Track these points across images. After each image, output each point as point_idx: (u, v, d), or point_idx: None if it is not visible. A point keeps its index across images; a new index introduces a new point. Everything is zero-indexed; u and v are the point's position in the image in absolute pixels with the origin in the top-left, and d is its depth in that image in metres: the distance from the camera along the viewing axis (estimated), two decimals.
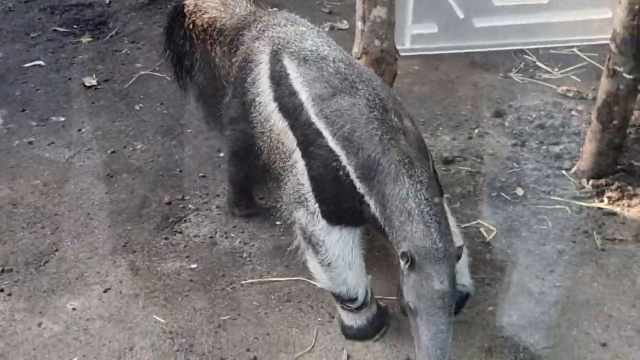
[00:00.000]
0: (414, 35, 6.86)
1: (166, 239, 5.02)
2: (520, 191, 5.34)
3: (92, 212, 5.24)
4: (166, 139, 5.99)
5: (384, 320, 4.32)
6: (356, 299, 4.11)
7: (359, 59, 5.02)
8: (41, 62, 7.01)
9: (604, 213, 5.13)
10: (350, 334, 4.26)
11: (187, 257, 4.86)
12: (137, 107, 6.41)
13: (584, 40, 7.00)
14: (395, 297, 4.45)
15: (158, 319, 4.41)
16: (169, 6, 6.42)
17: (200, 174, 5.58)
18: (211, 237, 5.03)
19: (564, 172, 5.51)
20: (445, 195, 4.15)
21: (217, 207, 5.27)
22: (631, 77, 5.00)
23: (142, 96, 6.56)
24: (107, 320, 4.42)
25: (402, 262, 3.57)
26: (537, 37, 6.99)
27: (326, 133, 3.87)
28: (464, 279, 4.03)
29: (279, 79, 4.18)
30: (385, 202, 3.67)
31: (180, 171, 5.64)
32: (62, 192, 5.42)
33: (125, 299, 4.56)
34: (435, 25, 6.92)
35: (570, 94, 6.36)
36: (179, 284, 4.66)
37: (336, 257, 4.02)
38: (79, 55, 7.15)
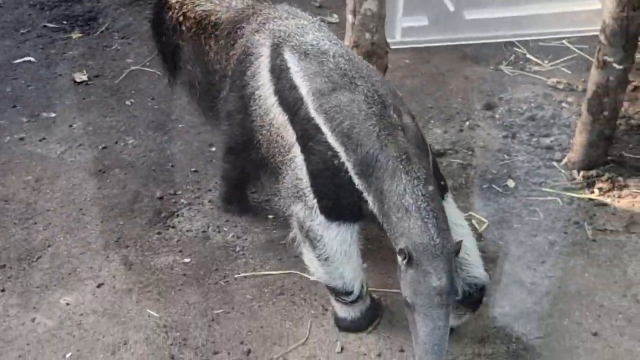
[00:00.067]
0: (405, 28, 6.87)
1: (159, 233, 5.02)
2: (511, 183, 5.37)
3: (85, 208, 5.24)
4: (158, 134, 5.99)
5: (377, 312, 4.34)
6: (352, 292, 4.12)
7: None
8: (31, 58, 6.99)
9: (595, 204, 5.16)
10: (344, 326, 4.28)
11: (180, 251, 4.87)
12: (128, 103, 6.40)
13: (574, 32, 7.03)
14: (388, 290, 4.48)
15: (152, 313, 4.42)
16: None
17: (192, 169, 5.59)
18: (204, 231, 5.04)
19: (554, 163, 5.53)
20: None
21: (209, 201, 5.27)
22: (621, 67, 5.03)
23: (133, 91, 6.55)
24: (100, 315, 4.42)
25: (399, 259, 3.56)
26: (527, 29, 7.01)
27: (325, 129, 3.86)
28: (477, 270, 4.02)
29: (279, 73, 4.16)
30: (383, 198, 3.67)
31: (172, 166, 5.64)
32: (54, 188, 5.42)
33: (119, 293, 4.57)
34: (426, 18, 6.93)
35: (561, 86, 6.39)
36: (172, 278, 4.67)
37: (334, 252, 4.02)
38: (69, 51, 7.13)
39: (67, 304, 4.49)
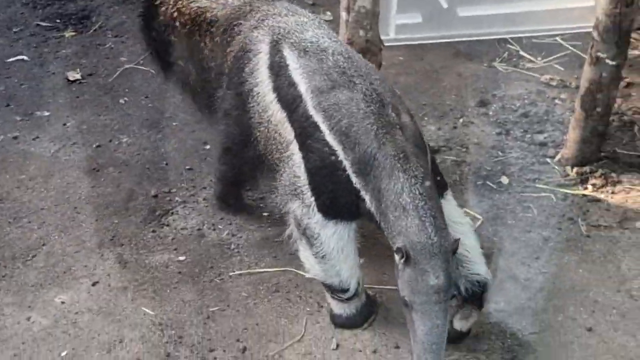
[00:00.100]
0: (399, 25, 6.87)
1: (154, 231, 5.02)
2: (505, 179, 5.38)
3: (79, 206, 5.24)
4: (152, 132, 5.98)
5: (372, 309, 4.35)
6: (348, 290, 4.13)
7: None
8: (24, 57, 6.97)
9: (589, 200, 5.18)
10: (339, 323, 4.28)
11: (175, 249, 4.87)
12: (122, 101, 6.39)
13: (567, 29, 7.04)
14: (383, 286, 4.50)
15: (147, 311, 4.42)
16: None
17: (187, 167, 5.58)
18: (199, 229, 5.04)
19: (548, 160, 5.55)
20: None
21: (204, 199, 5.27)
22: (614, 63, 5.04)
23: (126, 90, 6.54)
24: (96, 313, 4.42)
25: (397, 257, 3.57)
26: (520, 26, 7.02)
27: (324, 127, 3.86)
28: (479, 267, 4.03)
29: (278, 70, 4.16)
30: (381, 197, 3.67)
31: (167, 164, 5.64)
32: (48, 187, 5.41)
33: (114, 291, 4.57)
34: (420, 15, 6.93)
35: (554, 83, 6.40)
36: (167, 276, 4.67)
37: (330, 250, 4.02)
38: (63, 50, 7.12)
39: (62, 302, 4.49)
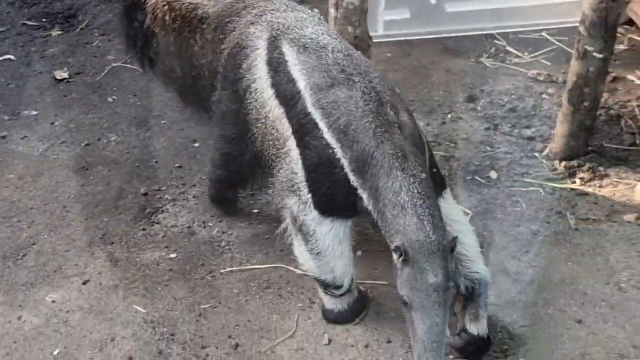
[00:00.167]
0: (387, 21, 6.89)
1: (144, 230, 5.02)
2: (494, 174, 5.40)
3: (69, 205, 5.23)
4: (141, 131, 5.98)
5: (364, 305, 4.36)
6: (341, 286, 4.14)
7: None
8: (11, 57, 6.96)
9: (577, 194, 5.21)
10: (331, 318, 4.29)
11: (166, 247, 4.87)
12: (110, 100, 6.38)
13: (553, 24, 7.08)
14: (375, 282, 4.52)
15: (139, 309, 4.42)
16: None
17: (177, 165, 5.58)
18: (189, 227, 5.04)
19: (536, 154, 5.57)
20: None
21: (194, 197, 5.28)
22: (601, 56, 5.07)
23: (114, 88, 6.54)
24: (87, 312, 4.42)
25: (395, 256, 3.56)
26: (508, 22, 7.05)
27: (322, 125, 3.85)
28: (478, 266, 4.02)
29: (277, 66, 4.13)
30: (379, 195, 3.67)
31: (156, 162, 5.63)
32: (38, 186, 5.40)
33: (105, 290, 4.56)
34: (408, 11, 6.95)
35: (541, 78, 6.43)
36: (158, 274, 4.67)
37: (326, 248, 4.02)
38: (50, 49, 7.11)
39: (54, 301, 4.48)
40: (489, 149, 5.65)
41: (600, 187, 5.25)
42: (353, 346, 4.18)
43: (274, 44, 4.20)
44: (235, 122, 4.48)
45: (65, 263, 4.75)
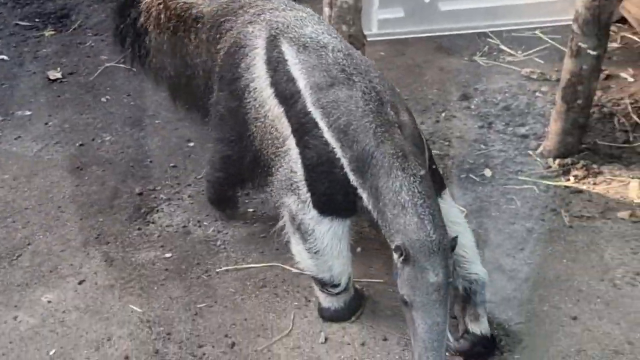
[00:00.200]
0: (381, 20, 6.91)
1: (139, 229, 5.01)
2: (488, 172, 5.42)
3: (63, 205, 5.22)
4: (135, 130, 5.98)
5: (360, 302, 4.37)
6: (339, 285, 4.15)
7: None
8: (4, 57, 6.95)
9: (571, 191, 5.23)
10: (327, 316, 4.30)
11: (162, 246, 4.87)
12: (103, 100, 6.38)
13: (546, 22, 7.11)
14: (370, 280, 4.53)
15: (135, 308, 4.42)
16: None
17: (171, 164, 5.58)
18: (184, 226, 5.04)
19: (530, 152, 5.59)
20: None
21: (189, 196, 5.28)
22: (595, 53, 5.08)
23: (108, 88, 6.54)
24: (83, 311, 4.41)
25: (395, 256, 3.55)
26: (501, 20, 7.08)
27: (322, 124, 3.84)
28: (476, 267, 4.02)
29: (276, 65, 4.11)
30: (379, 195, 3.66)
31: (151, 162, 5.63)
32: (32, 186, 5.39)
33: (101, 289, 4.56)
34: (402, 10, 6.97)
35: (534, 76, 6.46)
36: (154, 274, 4.67)
37: (324, 246, 4.02)
38: (43, 49, 7.10)
39: (49, 301, 4.47)
40: (482, 146, 5.67)
41: (594, 184, 5.27)
42: (349, 344, 4.19)
43: (272, 43, 4.18)
44: (234, 123, 4.45)
45: (60, 263, 4.74)
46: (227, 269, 4.69)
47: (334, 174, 3.83)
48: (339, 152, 3.79)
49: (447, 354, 3.71)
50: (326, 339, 4.22)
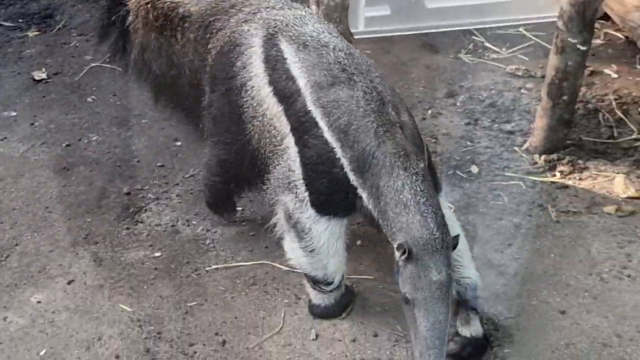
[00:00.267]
0: (367, 17, 6.93)
1: (128, 229, 5.01)
2: (475, 169, 5.45)
3: (51, 206, 5.20)
4: (121, 130, 5.97)
5: (350, 299, 4.38)
6: (332, 283, 4.16)
7: None
8: None
9: (557, 187, 5.26)
10: (318, 313, 4.31)
11: (150, 245, 4.86)
12: (89, 100, 6.36)
13: (530, 19, 7.15)
14: (360, 276, 4.55)
15: (125, 307, 4.41)
16: None
17: (158, 164, 5.57)
18: (173, 225, 5.03)
19: (516, 148, 5.63)
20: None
21: (177, 195, 5.27)
22: (585, 48, 5.13)
23: (94, 88, 6.52)
24: (73, 311, 4.40)
25: (397, 254, 3.53)
26: (486, 17, 7.12)
27: (322, 123, 3.82)
28: (469, 271, 4.02)
29: (274, 63, 4.07)
30: (380, 194, 3.65)
31: (138, 161, 5.62)
32: (19, 187, 5.37)
33: (90, 289, 4.55)
34: (388, 8, 7.00)
35: (519, 73, 6.50)
36: (143, 273, 4.66)
37: (321, 246, 4.02)
38: (27, 49, 7.07)
39: (39, 301, 4.46)
40: (469, 143, 5.70)
41: (580, 179, 5.31)
42: (340, 340, 4.20)
43: (270, 41, 4.15)
44: (229, 123, 4.42)
45: (49, 263, 4.72)
46: (216, 268, 4.69)
47: (333, 174, 3.82)
48: (339, 152, 3.78)
49: None
50: (317, 336, 4.23)
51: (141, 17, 4.93)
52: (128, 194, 5.29)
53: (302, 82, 3.93)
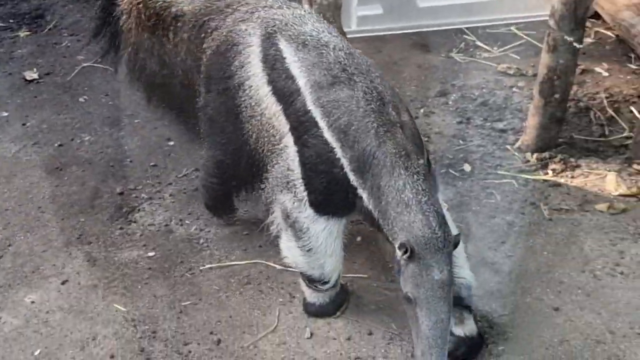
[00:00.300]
0: (360, 17, 6.95)
1: (121, 228, 5.00)
2: (467, 167, 5.47)
3: (44, 206, 5.19)
4: (114, 130, 5.96)
5: (344, 297, 4.39)
6: (328, 282, 4.16)
7: None
8: None
9: (549, 185, 5.29)
10: (312, 311, 4.32)
11: (144, 245, 4.86)
12: (81, 100, 6.35)
13: (521, 17, 7.18)
14: (354, 275, 4.56)
15: (119, 307, 4.40)
16: None
17: (151, 163, 5.57)
18: (166, 225, 5.03)
19: (508, 147, 5.65)
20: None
21: (170, 195, 5.27)
22: (580, 45, 5.17)
23: (85, 88, 6.51)
24: (67, 311, 4.39)
25: (399, 253, 3.52)
26: (478, 16, 7.14)
27: (322, 123, 3.79)
28: (464, 272, 4.03)
29: (273, 62, 4.04)
30: (381, 194, 3.64)
31: (131, 161, 5.62)
32: (11, 187, 5.35)
33: (84, 289, 4.54)
34: (380, 7, 7.02)
35: (511, 72, 6.52)
36: (137, 273, 4.65)
37: (318, 245, 4.02)
38: (18, 50, 7.06)
39: (32, 302, 4.45)
40: (461, 142, 5.71)
41: (572, 177, 5.34)
42: (335, 339, 4.21)
43: (269, 41, 4.11)
44: (225, 123, 4.39)
45: (42, 263, 4.71)
46: (210, 267, 4.69)
47: (333, 174, 3.81)
48: (339, 152, 3.76)
49: None
50: (312, 334, 4.24)
51: (134, 17, 4.90)
52: (121, 193, 5.29)
53: (301, 81, 3.91)
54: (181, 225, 5.03)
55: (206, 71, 4.48)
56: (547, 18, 5.24)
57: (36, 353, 4.13)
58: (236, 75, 4.23)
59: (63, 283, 4.58)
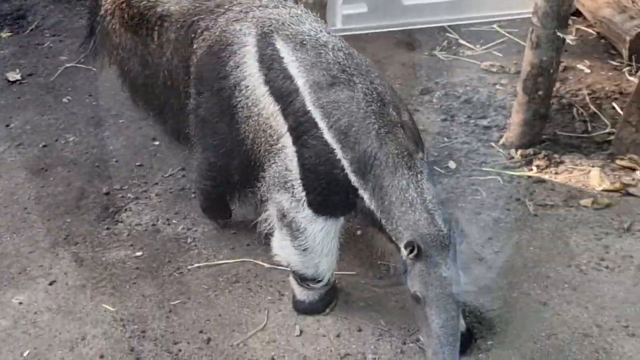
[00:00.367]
0: (345, 15, 6.96)
1: (108, 229, 4.98)
2: (452, 164, 5.50)
3: (29, 207, 5.17)
4: (99, 130, 5.93)
5: (333, 295, 4.40)
6: (321, 280, 4.17)
7: None
8: None
9: (534, 181, 5.33)
10: (302, 309, 4.33)
11: (131, 245, 4.85)
12: (65, 100, 6.32)
13: (503, 15, 7.22)
14: (343, 272, 4.56)
15: (108, 307, 4.39)
16: None
17: (137, 163, 5.55)
18: (153, 224, 5.02)
19: (493, 143, 5.68)
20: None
21: (156, 194, 5.26)
22: (569, 38, 5.22)
23: (69, 89, 6.48)
24: (55, 312, 4.37)
25: (404, 252, 3.52)
26: (462, 14, 7.18)
27: (322, 124, 3.77)
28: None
29: (270, 62, 4.00)
30: (384, 194, 3.65)
31: (116, 161, 5.60)
32: None
33: (72, 290, 4.52)
34: (365, 5, 7.03)
35: (494, 69, 6.56)
36: (125, 272, 4.64)
37: (315, 245, 4.01)
38: (0, 51, 6.99)
39: (20, 303, 4.42)
40: (446, 139, 5.74)
41: (556, 173, 5.38)
42: (324, 336, 4.22)
43: (265, 40, 4.07)
44: (218, 124, 4.34)
45: (29, 264, 4.69)
46: (198, 266, 4.69)
47: (333, 175, 3.80)
48: (339, 153, 3.75)
49: None
50: (301, 332, 4.25)
51: (117, 17, 4.87)
52: (107, 194, 5.27)
53: (300, 81, 3.87)
54: (168, 224, 5.02)
55: (197, 72, 4.43)
56: (529, 16, 5.29)
57: (25, 354, 4.12)
58: (231, 75, 4.18)
59: (51, 284, 4.56)
